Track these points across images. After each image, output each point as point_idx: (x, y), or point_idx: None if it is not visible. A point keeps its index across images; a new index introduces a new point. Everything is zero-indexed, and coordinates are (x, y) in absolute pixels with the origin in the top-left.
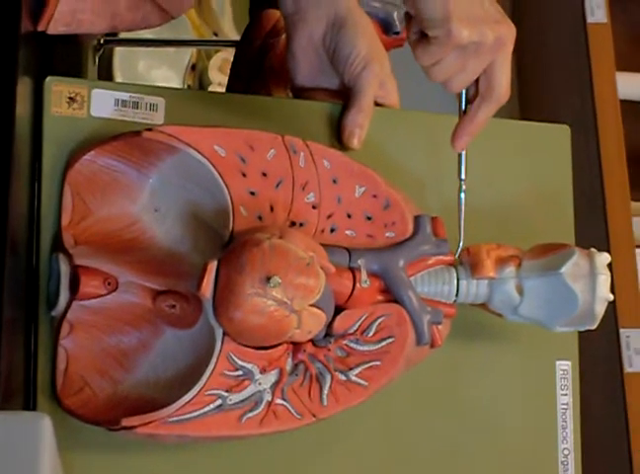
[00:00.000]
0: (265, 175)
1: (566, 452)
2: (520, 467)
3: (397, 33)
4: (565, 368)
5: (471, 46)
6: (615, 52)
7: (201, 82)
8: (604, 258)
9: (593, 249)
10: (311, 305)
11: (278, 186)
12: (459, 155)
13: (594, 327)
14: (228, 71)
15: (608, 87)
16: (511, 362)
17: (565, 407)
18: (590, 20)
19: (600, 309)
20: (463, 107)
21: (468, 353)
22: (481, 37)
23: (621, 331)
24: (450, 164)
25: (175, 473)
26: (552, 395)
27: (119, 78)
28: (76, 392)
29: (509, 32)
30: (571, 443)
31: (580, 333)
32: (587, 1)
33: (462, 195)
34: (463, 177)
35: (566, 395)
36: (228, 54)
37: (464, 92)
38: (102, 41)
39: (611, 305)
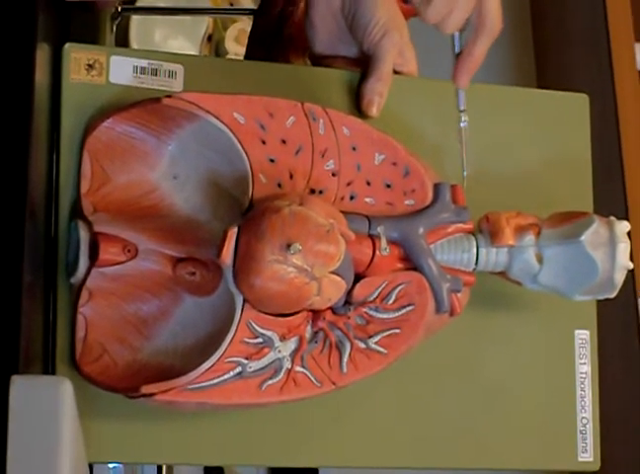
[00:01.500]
0: (284, 142)
1: (584, 421)
2: (538, 436)
3: None
4: (584, 337)
5: None
6: (634, 22)
7: (218, 52)
8: (624, 226)
9: (612, 217)
10: (331, 272)
11: (297, 153)
12: (457, 90)
13: (613, 295)
14: (244, 42)
15: (627, 57)
16: (529, 331)
17: (584, 376)
18: None
19: (620, 277)
20: (457, 48)
21: (487, 321)
22: None
23: None
24: (470, 130)
25: (194, 440)
26: (571, 364)
27: (135, 47)
28: (95, 359)
29: None
30: (590, 412)
31: (598, 301)
32: None
33: (462, 125)
34: (463, 108)
35: (584, 364)
36: (245, 25)
37: (458, 34)
38: (119, 10)
39: (630, 273)
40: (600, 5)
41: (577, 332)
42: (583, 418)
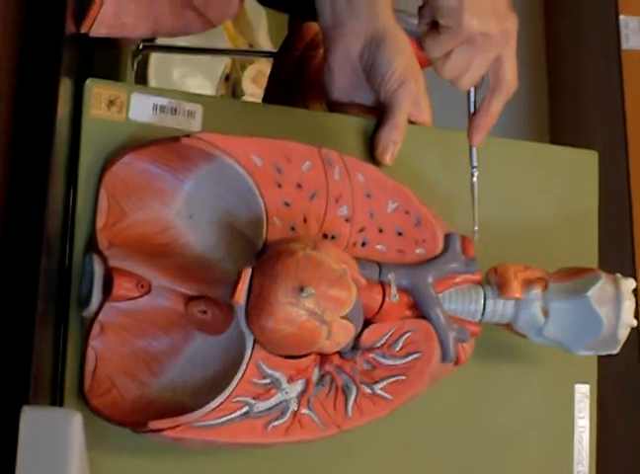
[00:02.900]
0: (300, 186)
1: None
2: None
3: None
4: (583, 392)
5: (479, 39)
6: None
7: (235, 93)
8: (630, 283)
9: (618, 274)
10: (342, 317)
11: (312, 197)
12: (470, 147)
13: (615, 352)
14: (262, 83)
15: None
16: (530, 384)
17: (582, 430)
18: (624, 47)
19: (624, 334)
20: (472, 105)
21: (489, 371)
22: (489, 29)
23: None
24: (480, 183)
25: None
26: (570, 417)
27: (153, 85)
28: (103, 393)
29: (513, 26)
30: (586, 466)
31: (603, 358)
32: (622, 28)
33: (474, 179)
34: (475, 164)
35: (583, 418)
36: (262, 66)
37: (473, 90)
38: (140, 47)
39: (635, 331)
40: (616, 62)
41: (577, 386)
42: (579, 472)
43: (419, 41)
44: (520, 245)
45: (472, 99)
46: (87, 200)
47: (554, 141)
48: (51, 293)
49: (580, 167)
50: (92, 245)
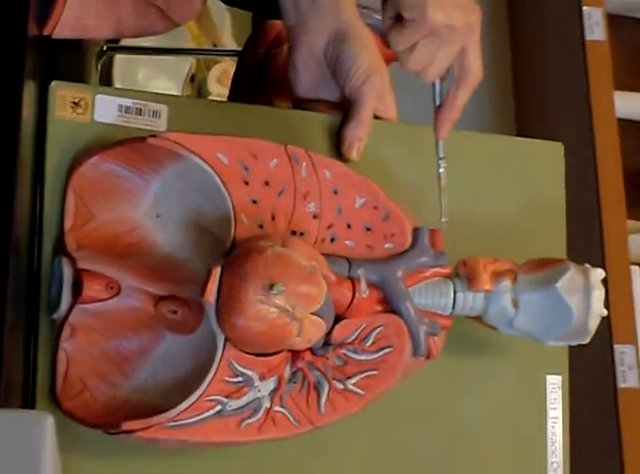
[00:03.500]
0: (267, 184)
1: (555, 466)
2: None
3: None
4: (555, 382)
5: (444, 32)
6: (613, 71)
7: (200, 93)
8: (599, 273)
9: (587, 264)
10: (312, 313)
11: (279, 195)
12: (437, 139)
13: (585, 341)
14: (227, 83)
15: (606, 105)
16: (502, 375)
17: (555, 421)
18: (588, 38)
19: (594, 324)
20: (437, 98)
21: (460, 365)
22: (453, 21)
23: (615, 347)
24: (447, 176)
25: None
26: (542, 409)
27: (118, 86)
28: (75, 395)
29: (477, 17)
30: (560, 457)
31: (575, 348)
32: (586, 19)
33: (441, 170)
34: (442, 155)
35: (555, 409)
36: (227, 66)
37: (438, 82)
38: (104, 49)
39: (606, 321)
40: (581, 53)
41: (549, 377)
42: (553, 462)
43: (383, 37)
44: (488, 238)
45: (437, 91)
46: (54, 203)
47: (520, 134)
48: (21, 296)
49: (546, 158)
50: (60, 247)
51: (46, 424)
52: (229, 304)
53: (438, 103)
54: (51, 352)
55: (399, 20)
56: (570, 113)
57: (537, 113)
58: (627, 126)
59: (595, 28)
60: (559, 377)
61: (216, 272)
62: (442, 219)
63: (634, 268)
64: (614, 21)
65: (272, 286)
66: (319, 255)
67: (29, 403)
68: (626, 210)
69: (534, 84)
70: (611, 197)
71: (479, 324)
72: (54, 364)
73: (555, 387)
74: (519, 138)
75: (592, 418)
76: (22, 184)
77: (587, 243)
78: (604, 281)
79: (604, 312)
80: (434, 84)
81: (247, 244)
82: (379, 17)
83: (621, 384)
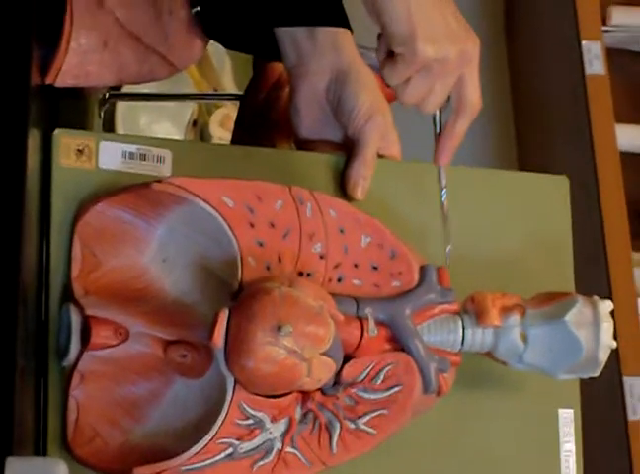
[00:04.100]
0: (272, 226)
1: None
2: None
3: None
4: (568, 416)
5: (436, 66)
6: (614, 104)
7: (202, 137)
8: (607, 306)
9: (596, 297)
10: (321, 354)
11: (285, 236)
12: (439, 168)
13: (596, 375)
14: (229, 126)
15: (608, 139)
16: (514, 410)
17: (568, 454)
18: (588, 72)
19: (604, 356)
20: (438, 127)
21: (472, 401)
22: (445, 54)
23: (625, 379)
24: (453, 214)
25: None
26: (555, 443)
27: (121, 133)
28: (87, 442)
29: (474, 46)
30: None
31: (584, 381)
32: (585, 53)
33: (444, 200)
34: (444, 184)
35: (569, 443)
36: (229, 110)
37: (438, 112)
38: (107, 96)
39: (614, 354)
40: (581, 87)
41: (561, 411)
42: None
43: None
44: (495, 273)
45: (437, 120)
46: (61, 250)
47: (522, 168)
48: (30, 344)
49: (552, 192)
50: (68, 295)
51: (60, 471)
52: (238, 347)
53: (438, 132)
54: (62, 399)
55: (391, 55)
56: (571, 146)
57: (539, 147)
58: (629, 159)
59: (594, 61)
60: (571, 410)
61: (224, 315)
62: (448, 248)
63: None
64: (613, 54)
65: (280, 328)
66: (327, 295)
67: (41, 451)
68: (631, 243)
69: (535, 118)
70: (616, 231)
71: (490, 359)
72: (65, 412)
73: (567, 420)
74: (523, 173)
75: (603, 451)
76: (28, 232)
77: (592, 276)
78: (612, 313)
79: (614, 344)
80: (433, 115)
81: (254, 286)
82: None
83: (632, 416)
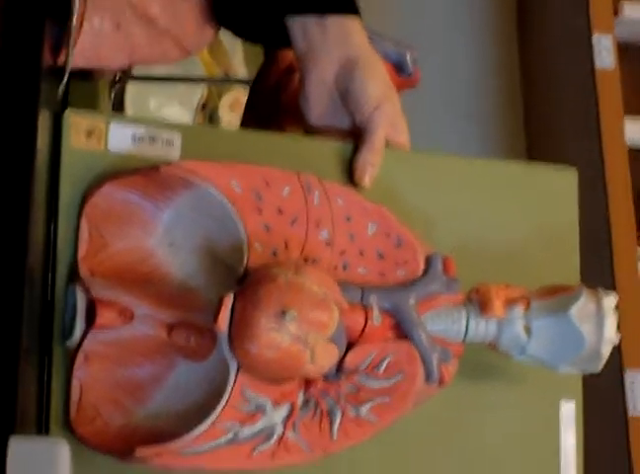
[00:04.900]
0: (280, 211)
1: None
2: None
3: (409, 74)
4: (569, 409)
5: None
6: (623, 98)
7: (212, 121)
8: (612, 299)
9: (600, 290)
10: (325, 340)
11: (292, 223)
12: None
13: (598, 369)
14: (239, 110)
15: (616, 133)
16: (515, 402)
17: (568, 446)
18: (598, 66)
19: (606, 351)
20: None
21: (473, 391)
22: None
23: (626, 374)
24: (460, 204)
25: None
26: (556, 435)
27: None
28: (89, 422)
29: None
30: None
31: (585, 375)
32: (595, 47)
33: None
34: None
35: (570, 435)
36: (239, 94)
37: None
38: (117, 77)
39: (616, 348)
40: (590, 81)
41: (562, 403)
42: None
43: (394, 65)
44: (501, 265)
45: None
46: (68, 231)
47: (531, 161)
48: (35, 324)
49: (559, 184)
50: (74, 275)
51: (61, 450)
52: (242, 332)
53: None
54: (65, 379)
55: None
56: (580, 140)
57: (547, 140)
58: (637, 153)
59: (604, 55)
60: (573, 403)
61: (229, 299)
62: None
63: None
64: (623, 48)
65: (284, 313)
66: (332, 282)
67: (43, 430)
68: (636, 237)
69: (544, 111)
70: (622, 224)
71: (492, 350)
72: (68, 392)
73: (569, 413)
74: (531, 165)
75: (602, 446)
76: (36, 212)
77: (597, 269)
78: (616, 308)
79: (617, 339)
80: None
81: (260, 272)
82: (390, 45)
83: (632, 412)
